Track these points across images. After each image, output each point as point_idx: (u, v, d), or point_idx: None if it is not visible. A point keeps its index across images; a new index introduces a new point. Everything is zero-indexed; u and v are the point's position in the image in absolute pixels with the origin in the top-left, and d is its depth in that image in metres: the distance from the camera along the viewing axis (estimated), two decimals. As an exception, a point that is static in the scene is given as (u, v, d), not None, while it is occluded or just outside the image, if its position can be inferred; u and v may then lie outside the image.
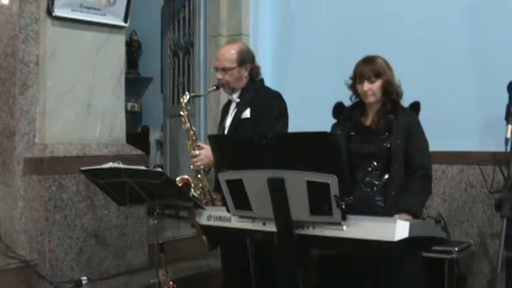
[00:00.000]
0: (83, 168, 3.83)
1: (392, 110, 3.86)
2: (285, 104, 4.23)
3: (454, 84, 5.39)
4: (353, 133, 3.93)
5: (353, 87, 3.95)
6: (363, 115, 3.96)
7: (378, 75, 3.81)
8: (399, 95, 3.91)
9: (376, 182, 3.82)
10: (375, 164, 3.82)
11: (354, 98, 4.01)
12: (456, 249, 4.74)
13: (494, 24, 5.27)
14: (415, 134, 3.82)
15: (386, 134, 3.82)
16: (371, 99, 3.85)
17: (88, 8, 5.05)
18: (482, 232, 5.28)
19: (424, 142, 3.87)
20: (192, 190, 4.19)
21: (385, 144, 3.80)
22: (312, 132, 2.72)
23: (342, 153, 2.73)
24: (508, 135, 3.61)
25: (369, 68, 3.83)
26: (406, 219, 3.24)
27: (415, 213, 3.60)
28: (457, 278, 4.79)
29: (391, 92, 3.85)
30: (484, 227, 5.27)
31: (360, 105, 3.98)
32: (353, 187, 3.86)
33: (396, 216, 3.56)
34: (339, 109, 4.07)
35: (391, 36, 5.56)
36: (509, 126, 3.65)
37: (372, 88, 3.81)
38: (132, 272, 5.24)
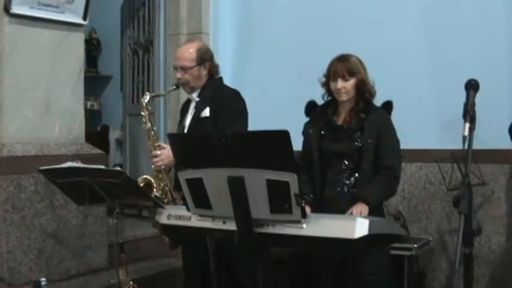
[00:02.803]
0: (41, 168, 3.79)
1: (365, 109, 3.88)
2: (244, 102, 4.25)
3: (413, 83, 5.45)
4: (325, 132, 3.95)
5: (326, 85, 3.96)
6: (335, 114, 3.98)
7: (351, 73, 3.84)
8: (372, 94, 3.93)
9: (347, 181, 3.85)
10: (346, 163, 3.85)
11: (326, 96, 4.03)
12: (415, 245, 4.80)
13: (452, 24, 5.33)
14: (386, 134, 3.84)
15: (358, 133, 3.84)
16: (344, 97, 3.86)
17: (46, 5, 4.99)
18: (440, 229, 5.34)
19: (395, 142, 3.90)
20: (154, 190, 4.19)
21: (356, 143, 3.83)
22: (269, 130, 2.72)
23: (293, 152, 2.74)
24: (466, 133, 3.65)
25: (343, 66, 3.85)
26: (364, 217, 3.29)
27: (369, 202, 3.65)
28: (416, 274, 4.84)
29: (364, 91, 3.87)
30: (443, 223, 5.34)
31: (332, 104, 4.00)
32: (324, 186, 3.89)
33: (351, 210, 3.61)
34: (311, 107, 4.08)
35: (350, 36, 5.58)
36: (467, 124, 3.69)
37: (345, 86, 3.83)
38: (92, 273, 5.19)
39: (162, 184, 4.23)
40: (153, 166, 4.26)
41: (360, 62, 3.92)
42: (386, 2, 5.69)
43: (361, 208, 3.64)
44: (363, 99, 3.89)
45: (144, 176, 4.28)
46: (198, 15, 6.52)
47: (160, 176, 4.23)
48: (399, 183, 3.94)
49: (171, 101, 6.45)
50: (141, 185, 4.13)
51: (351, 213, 3.61)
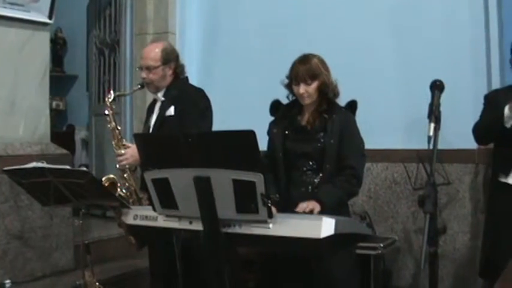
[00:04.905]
0: (6, 168, 3.75)
1: (328, 109, 3.87)
2: (208, 101, 4.26)
3: (378, 83, 5.49)
4: (289, 132, 3.94)
5: (289, 86, 3.95)
6: (299, 114, 3.97)
7: (313, 77, 3.81)
8: (336, 94, 3.92)
9: (311, 182, 3.83)
10: (310, 163, 3.84)
11: (291, 96, 4.02)
12: (381, 245, 4.84)
13: (417, 25, 5.38)
14: (348, 134, 3.83)
15: (321, 133, 3.83)
16: (307, 101, 3.86)
17: (11, 3, 4.94)
18: (406, 228, 5.38)
19: (358, 142, 3.90)
20: (119, 189, 4.17)
21: (319, 144, 3.82)
22: (235, 130, 2.72)
23: (259, 152, 2.74)
24: (431, 133, 3.66)
25: (305, 69, 3.82)
26: (331, 217, 3.30)
27: (323, 202, 3.62)
28: (382, 273, 4.88)
29: (327, 92, 3.87)
30: (408, 223, 5.38)
31: (296, 104, 3.98)
32: (289, 186, 3.89)
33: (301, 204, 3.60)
34: (275, 107, 4.07)
35: (317, 36, 5.62)
36: (432, 124, 3.70)
37: (308, 90, 3.81)
38: (57, 274, 5.13)
39: (127, 184, 4.22)
40: (117, 165, 4.25)
41: (322, 62, 3.90)
42: (353, 2, 5.72)
43: (312, 205, 3.60)
44: (326, 100, 3.89)
45: (108, 176, 4.26)
46: (165, 15, 6.50)
47: (125, 175, 4.22)
48: (361, 183, 3.93)
49: (137, 101, 6.43)
50: (105, 184, 4.10)
51: (303, 208, 3.60)
